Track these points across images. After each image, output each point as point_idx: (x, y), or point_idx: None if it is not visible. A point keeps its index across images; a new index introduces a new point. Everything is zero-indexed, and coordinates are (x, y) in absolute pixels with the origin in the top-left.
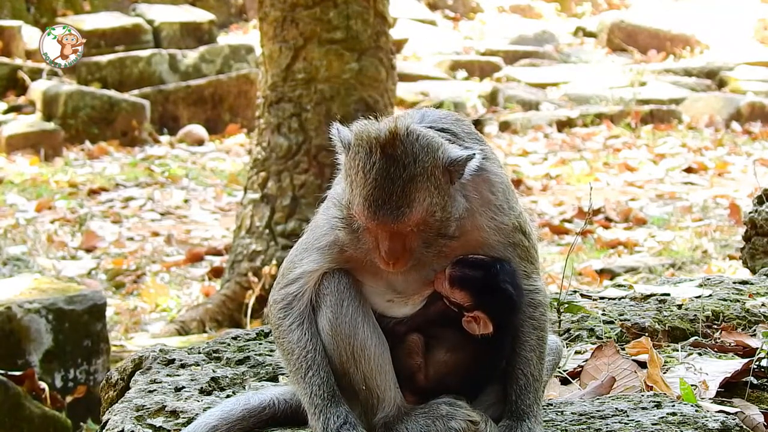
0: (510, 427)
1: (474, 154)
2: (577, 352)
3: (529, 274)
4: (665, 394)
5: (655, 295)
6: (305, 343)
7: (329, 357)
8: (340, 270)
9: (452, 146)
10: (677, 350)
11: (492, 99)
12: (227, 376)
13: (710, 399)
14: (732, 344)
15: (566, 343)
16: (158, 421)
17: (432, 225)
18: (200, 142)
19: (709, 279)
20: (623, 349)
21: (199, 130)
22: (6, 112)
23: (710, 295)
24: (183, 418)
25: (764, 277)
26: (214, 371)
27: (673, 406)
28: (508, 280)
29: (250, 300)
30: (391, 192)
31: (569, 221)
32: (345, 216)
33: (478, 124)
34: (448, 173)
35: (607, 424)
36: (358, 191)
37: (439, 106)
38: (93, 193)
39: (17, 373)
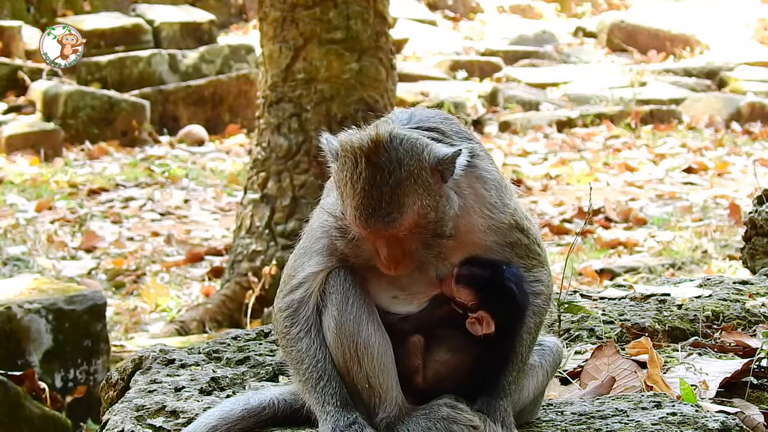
0: (487, 403)
1: (461, 150)
2: (577, 352)
3: (529, 267)
4: (665, 394)
5: (655, 295)
6: (314, 351)
7: (333, 355)
8: (345, 268)
9: (438, 145)
10: (677, 350)
11: (492, 99)
12: (227, 376)
13: (710, 399)
14: (732, 344)
15: (566, 343)
16: (158, 421)
17: (427, 226)
18: (200, 143)
19: (709, 279)
20: (623, 349)
21: (199, 130)
22: (6, 112)
23: (710, 295)
24: (183, 418)
25: (764, 277)
26: (214, 371)
27: (673, 406)
28: (513, 280)
29: (250, 300)
30: (380, 199)
31: (569, 221)
32: (341, 226)
33: (478, 124)
34: (437, 173)
35: (607, 424)
36: (348, 201)
37: (440, 106)
38: (93, 193)
39: (17, 373)
